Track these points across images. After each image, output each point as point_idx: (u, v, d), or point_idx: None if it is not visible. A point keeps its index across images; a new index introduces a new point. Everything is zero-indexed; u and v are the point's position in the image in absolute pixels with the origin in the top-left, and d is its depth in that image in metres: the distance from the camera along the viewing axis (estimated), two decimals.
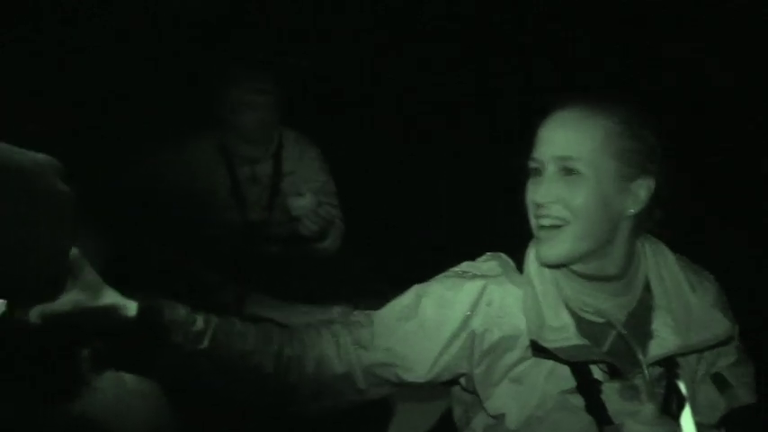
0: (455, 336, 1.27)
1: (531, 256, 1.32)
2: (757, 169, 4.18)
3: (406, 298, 1.31)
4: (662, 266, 1.32)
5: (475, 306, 1.27)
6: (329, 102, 4.92)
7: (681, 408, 1.25)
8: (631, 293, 1.30)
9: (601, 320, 1.27)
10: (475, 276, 1.30)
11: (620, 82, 4.42)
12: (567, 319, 1.25)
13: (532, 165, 1.26)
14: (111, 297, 1.06)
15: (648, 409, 1.07)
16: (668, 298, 1.29)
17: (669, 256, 1.33)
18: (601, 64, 4.83)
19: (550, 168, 1.23)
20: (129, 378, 1.93)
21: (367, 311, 1.32)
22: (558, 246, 1.23)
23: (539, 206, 1.24)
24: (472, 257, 1.38)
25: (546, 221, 1.23)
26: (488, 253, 1.37)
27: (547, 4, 4.60)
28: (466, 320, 1.27)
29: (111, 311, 1.05)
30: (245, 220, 2.78)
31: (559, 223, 1.22)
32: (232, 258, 2.78)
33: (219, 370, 1.14)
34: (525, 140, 1.31)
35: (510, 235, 1.36)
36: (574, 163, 1.21)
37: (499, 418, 1.28)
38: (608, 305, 1.27)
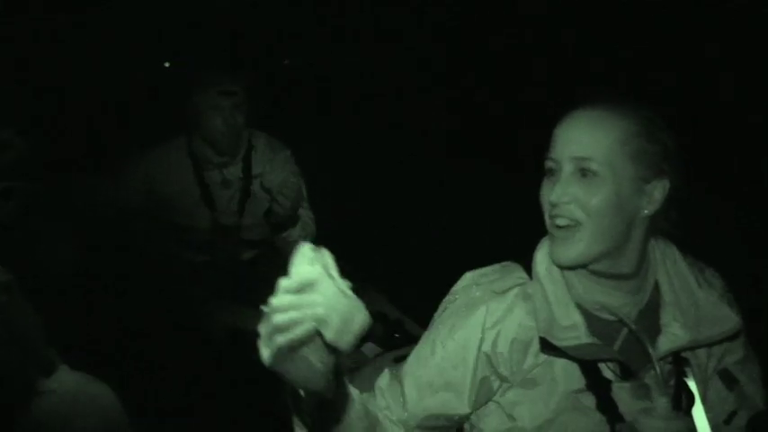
0: (475, 369, 1.29)
1: (539, 257, 1.33)
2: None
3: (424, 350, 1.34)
4: (669, 264, 1.33)
5: (482, 333, 1.28)
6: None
7: (691, 404, 1.25)
8: (643, 291, 1.30)
9: (612, 318, 1.27)
10: (473, 305, 1.30)
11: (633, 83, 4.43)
12: (577, 317, 1.26)
13: (549, 164, 1.27)
14: None
15: (662, 403, 1.07)
16: (676, 295, 1.30)
17: (677, 254, 1.34)
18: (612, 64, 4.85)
19: (567, 168, 1.24)
20: (84, 380, 1.93)
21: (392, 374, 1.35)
22: (573, 247, 1.23)
23: (554, 206, 1.24)
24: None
25: (561, 221, 1.23)
26: (493, 265, 1.38)
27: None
28: (478, 350, 1.28)
29: None
30: (215, 224, 2.77)
31: (574, 224, 1.23)
32: (205, 265, 2.78)
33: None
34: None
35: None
36: (590, 163, 1.21)
37: (510, 422, 1.29)
38: (620, 303, 1.27)
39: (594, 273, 1.27)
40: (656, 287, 1.32)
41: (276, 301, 0.98)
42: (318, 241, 2.96)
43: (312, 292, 0.97)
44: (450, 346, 1.29)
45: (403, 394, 1.30)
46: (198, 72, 2.82)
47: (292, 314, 0.96)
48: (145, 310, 2.68)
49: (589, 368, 1.24)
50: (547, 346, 1.23)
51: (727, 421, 1.31)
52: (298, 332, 0.96)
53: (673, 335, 1.26)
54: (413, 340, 2.51)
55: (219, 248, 2.79)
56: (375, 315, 2.61)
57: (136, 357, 2.56)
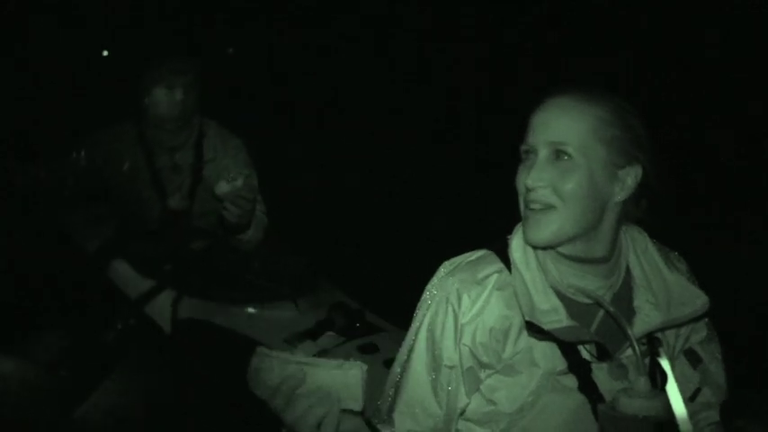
0: (461, 362, 1.32)
1: (514, 244, 1.35)
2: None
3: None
4: (640, 249, 1.38)
5: (461, 327, 1.31)
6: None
7: (664, 382, 1.30)
8: (615, 275, 1.34)
9: (588, 302, 1.30)
10: (450, 299, 1.32)
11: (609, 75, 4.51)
12: (555, 301, 1.28)
13: (524, 149, 1.29)
14: None
15: (641, 382, 1.09)
16: (647, 278, 1.35)
17: (647, 240, 1.39)
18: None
19: (542, 153, 1.26)
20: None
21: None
22: (546, 227, 1.26)
23: (529, 190, 1.26)
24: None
25: (536, 205, 1.26)
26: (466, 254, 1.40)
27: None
28: (460, 344, 1.31)
29: None
30: (165, 209, 2.73)
31: (548, 207, 1.25)
32: (154, 255, 2.73)
33: None
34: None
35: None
36: (565, 147, 1.24)
37: (490, 406, 1.31)
38: (595, 286, 1.31)
39: (568, 257, 1.30)
40: (628, 271, 1.36)
41: None
42: (278, 234, 2.93)
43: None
44: (432, 347, 1.32)
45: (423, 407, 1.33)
46: (148, 56, 2.75)
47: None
48: (87, 302, 2.63)
49: (569, 351, 1.27)
50: (533, 329, 1.25)
51: (692, 398, 1.36)
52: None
53: (646, 316, 1.30)
54: (374, 330, 2.52)
55: (169, 236, 2.73)
56: (336, 306, 2.62)
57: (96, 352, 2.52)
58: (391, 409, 1.36)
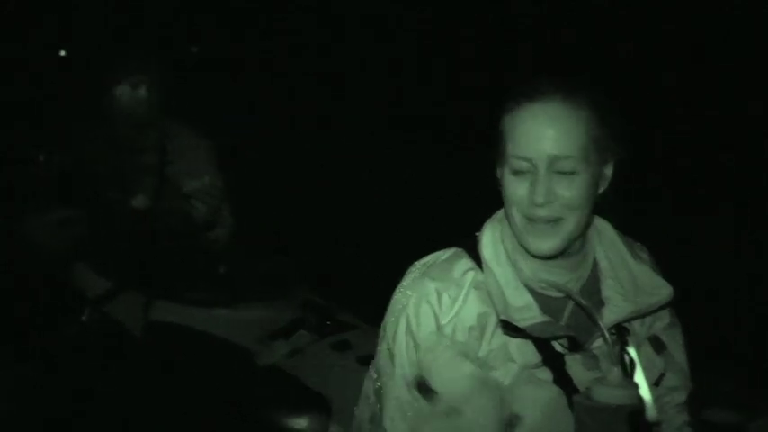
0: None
1: (485, 241, 1.35)
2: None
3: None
4: (605, 239, 1.39)
5: (441, 330, 1.30)
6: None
7: (633, 370, 1.32)
8: (583, 267, 1.36)
9: (559, 295, 1.32)
10: (428, 300, 1.31)
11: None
12: (528, 298, 1.29)
13: (522, 163, 1.25)
14: None
15: (615, 372, 1.11)
16: (614, 268, 1.36)
17: (611, 229, 1.41)
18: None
19: (545, 167, 1.24)
20: None
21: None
22: (552, 239, 1.26)
23: (536, 206, 1.24)
24: (414, 250, 1.38)
25: (543, 219, 1.25)
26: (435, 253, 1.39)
27: None
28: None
29: None
30: (130, 209, 2.72)
31: (556, 219, 1.25)
32: (116, 254, 2.71)
33: None
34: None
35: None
36: (569, 161, 1.23)
37: None
38: (564, 280, 1.32)
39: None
40: (595, 262, 1.37)
41: None
42: (245, 235, 2.92)
43: None
44: (414, 349, 1.31)
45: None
46: (110, 55, 2.74)
47: None
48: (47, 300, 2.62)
49: (542, 344, 1.28)
50: (508, 327, 1.26)
51: (657, 383, 1.38)
52: None
53: (615, 306, 1.32)
54: (346, 327, 2.52)
55: (134, 237, 2.71)
56: (308, 304, 2.61)
57: (43, 352, 2.51)
58: (379, 418, 1.35)
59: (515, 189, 1.27)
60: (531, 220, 1.26)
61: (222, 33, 6.43)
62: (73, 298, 2.67)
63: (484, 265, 1.32)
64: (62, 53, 5.06)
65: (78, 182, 2.73)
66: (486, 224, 1.38)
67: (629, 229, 1.44)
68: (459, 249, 1.37)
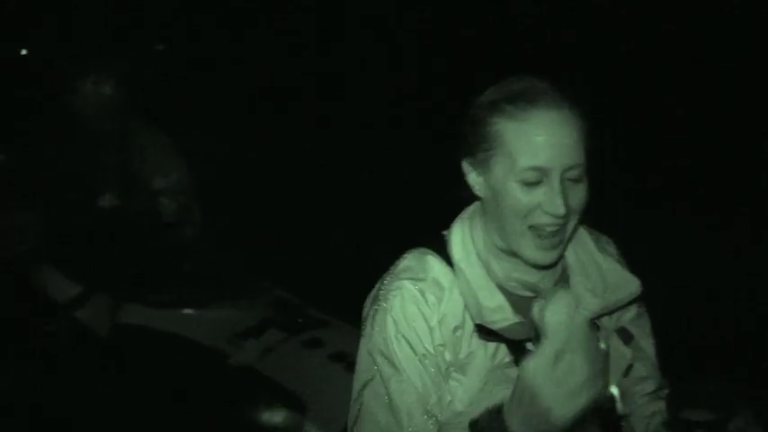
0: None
1: (455, 239, 1.34)
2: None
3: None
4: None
5: (430, 332, 1.28)
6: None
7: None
8: (556, 264, 1.35)
9: (530, 294, 1.32)
10: (413, 303, 1.29)
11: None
12: (500, 298, 1.29)
13: (535, 173, 1.23)
14: None
15: None
16: (583, 265, 1.38)
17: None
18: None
19: (559, 177, 1.22)
20: None
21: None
22: (555, 251, 1.27)
23: (552, 215, 1.22)
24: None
25: (551, 228, 1.24)
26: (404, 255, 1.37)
27: None
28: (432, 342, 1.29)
29: None
30: (98, 207, 2.71)
31: (560, 227, 1.25)
32: (86, 256, 2.70)
33: None
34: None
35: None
36: (578, 169, 1.24)
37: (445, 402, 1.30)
38: (536, 279, 1.33)
39: (512, 254, 1.30)
40: (564, 259, 1.38)
41: None
42: (216, 236, 2.92)
43: None
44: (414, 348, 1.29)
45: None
46: (75, 56, 2.75)
47: None
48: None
49: (515, 344, 1.28)
50: (483, 331, 1.26)
51: (626, 374, 1.39)
52: None
53: (586, 303, 1.32)
54: (317, 324, 2.52)
55: (101, 237, 2.69)
56: (277, 302, 2.61)
57: (18, 354, 2.50)
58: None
59: (521, 198, 1.23)
60: (535, 229, 1.25)
61: (222, 33, 6.42)
62: (43, 303, 2.63)
63: (455, 267, 1.31)
64: (23, 52, 5.03)
65: (37, 183, 2.70)
66: (454, 223, 1.37)
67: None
68: (428, 250, 1.35)
